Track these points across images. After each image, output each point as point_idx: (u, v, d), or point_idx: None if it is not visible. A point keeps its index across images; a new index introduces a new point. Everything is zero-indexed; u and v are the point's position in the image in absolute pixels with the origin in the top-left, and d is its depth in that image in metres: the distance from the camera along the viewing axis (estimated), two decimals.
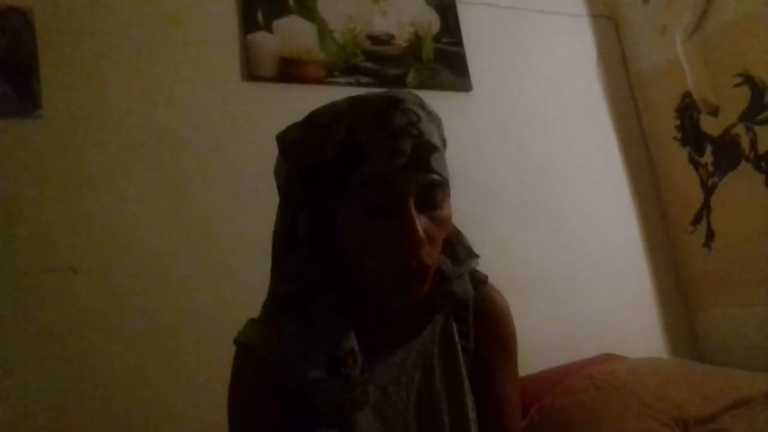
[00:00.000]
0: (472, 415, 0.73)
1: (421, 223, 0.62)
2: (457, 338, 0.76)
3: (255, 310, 0.76)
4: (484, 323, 0.78)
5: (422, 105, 0.68)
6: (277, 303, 0.71)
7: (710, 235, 2.13)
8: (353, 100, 0.66)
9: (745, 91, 1.97)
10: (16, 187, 1.34)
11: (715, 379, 1.59)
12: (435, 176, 0.64)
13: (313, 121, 0.68)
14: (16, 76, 1.36)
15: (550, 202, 2.08)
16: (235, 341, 0.73)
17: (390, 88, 0.69)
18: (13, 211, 1.32)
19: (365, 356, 0.68)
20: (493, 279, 0.83)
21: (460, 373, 0.75)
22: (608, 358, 1.82)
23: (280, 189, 0.73)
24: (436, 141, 0.65)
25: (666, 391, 1.50)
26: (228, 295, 1.45)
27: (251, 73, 1.67)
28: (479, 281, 0.79)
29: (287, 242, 0.71)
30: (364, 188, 0.62)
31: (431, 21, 2.01)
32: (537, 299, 1.90)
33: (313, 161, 0.66)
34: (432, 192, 0.64)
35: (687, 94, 2.16)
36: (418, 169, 0.62)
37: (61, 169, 1.39)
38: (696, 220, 2.18)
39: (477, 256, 0.79)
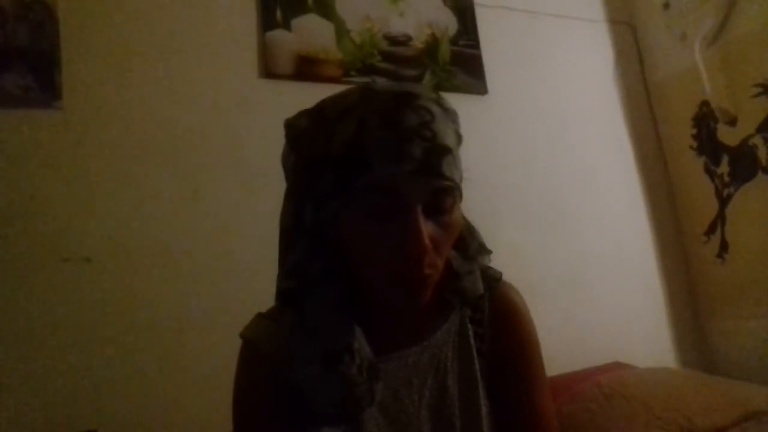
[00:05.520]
0: (486, 420, 0.71)
1: (427, 229, 0.59)
2: (472, 341, 0.73)
3: (266, 305, 0.75)
4: (501, 325, 0.74)
5: (438, 101, 0.63)
6: (279, 297, 0.69)
7: (724, 246, 2.11)
8: (365, 94, 0.62)
9: (764, 102, 1.94)
10: (33, 177, 1.36)
11: (725, 391, 1.57)
12: (446, 182, 0.60)
13: (323, 112, 0.65)
14: (38, 67, 1.39)
15: (562, 208, 2.07)
16: (241, 336, 0.72)
17: (405, 82, 0.66)
18: (30, 200, 1.35)
19: (377, 356, 0.66)
20: None
21: (475, 377, 0.72)
22: (617, 366, 1.81)
23: (287, 177, 0.70)
24: (450, 141, 0.61)
25: (674, 402, 1.49)
26: (240, 290, 1.46)
27: (269, 70, 1.68)
28: (492, 279, 0.76)
29: (292, 233, 0.68)
30: (368, 193, 0.59)
31: (448, 23, 2.01)
32: (547, 305, 1.88)
33: (319, 154, 0.63)
34: (441, 197, 0.60)
35: (705, 103, 2.14)
36: (428, 174, 0.58)
37: (79, 160, 1.41)
38: (710, 231, 2.16)
39: (489, 252, 0.76)
